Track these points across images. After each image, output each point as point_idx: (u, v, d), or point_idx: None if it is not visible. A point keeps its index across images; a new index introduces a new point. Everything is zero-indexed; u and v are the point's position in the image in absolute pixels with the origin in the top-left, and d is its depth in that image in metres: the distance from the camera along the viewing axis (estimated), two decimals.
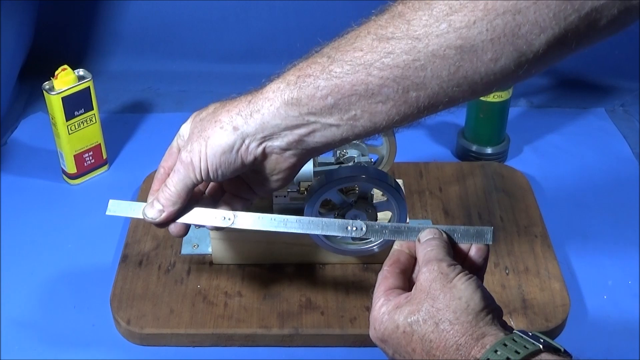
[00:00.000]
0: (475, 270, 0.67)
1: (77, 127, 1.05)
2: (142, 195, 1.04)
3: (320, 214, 0.82)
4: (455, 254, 0.67)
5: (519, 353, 0.58)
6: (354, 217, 0.82)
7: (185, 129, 0.72)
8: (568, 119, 1.24)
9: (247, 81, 1.42)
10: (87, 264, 0.96)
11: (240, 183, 0.73)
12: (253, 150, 0.67)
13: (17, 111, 1.24)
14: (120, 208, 0.77)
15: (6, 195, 1.07)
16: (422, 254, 0.66)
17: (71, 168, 1.08)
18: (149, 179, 1.06)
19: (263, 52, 1.33)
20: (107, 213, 0.77)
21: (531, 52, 0.59)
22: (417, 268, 0.67)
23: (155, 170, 1.06)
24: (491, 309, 0.61)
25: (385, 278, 0.66)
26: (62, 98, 1.01)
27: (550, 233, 0.98)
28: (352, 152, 0.89)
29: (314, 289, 0.90)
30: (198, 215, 0.73)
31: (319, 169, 0.87)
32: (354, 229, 0.70)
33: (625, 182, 1.10)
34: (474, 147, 1.12)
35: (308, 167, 0.87)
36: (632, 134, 1.20)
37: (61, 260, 0.97)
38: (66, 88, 1.01)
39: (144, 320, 0.86)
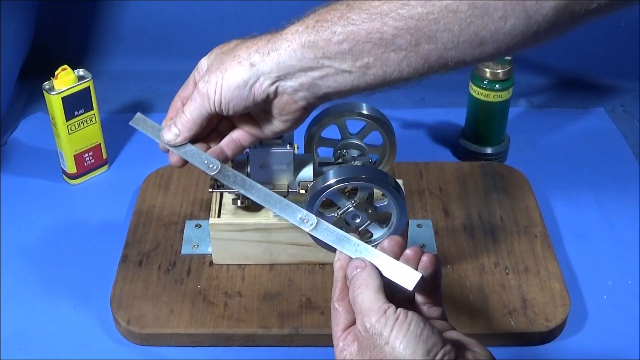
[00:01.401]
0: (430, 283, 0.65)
1: (77, 127, 1.05)
2: (142, 195, 1.04)
3: (320, 214, 0.82)
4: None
5: None
6: (354, 217, 0.82)
7: (204, 62, 0.75)
8: (568, 119, 1.24)
9: None
10: (87, 264, 0.96)
11: (250, 121, 0.75)
12: (266, 88, 0.69)
13: (17, 111, 1.24)
14: (144, 124, 0.80)
15: (6, 195, 1.07)
16: (352, 297, 0.62)
17: (71, 168, 1.08)
18: (149, 179, 1.06)
19: None
20: (130, 123, 0.80)
21: (540, 15, 0.60)
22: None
23: (155, 171, 1.07)
24: (438, 349, 0.57)
25: (338, 314, 0.64)
26: (62, 98, 1.01)
27: (550, 233, 0.98)
28: (352, 152, 0.89)
29: (314, 289, 0.90)
30: (191, 153, 0.75)
31: (318, 169, 0.88)
32: (306, 221, 0.71)
33: (625, 182, 1.10)
34: (474, 147, 1.12)
35: (308, 167, 0.87)
36: (632, 134, 1.20)
37: (61, 260, 0.97)
38: (66, 88, 1.01)
39: (144, 320, 0.86)
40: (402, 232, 0.84)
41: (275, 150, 0.85)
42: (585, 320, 0.90)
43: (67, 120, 1.03)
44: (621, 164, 1.14)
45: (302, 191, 0.86)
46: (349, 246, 0.67)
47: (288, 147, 0.85)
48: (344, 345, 0.62)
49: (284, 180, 0.87)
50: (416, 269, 0.64)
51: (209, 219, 0.91)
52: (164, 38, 1.34)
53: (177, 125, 0.74)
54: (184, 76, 1.32)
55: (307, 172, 0.87)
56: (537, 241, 0.96)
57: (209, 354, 0.86)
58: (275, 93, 0.70)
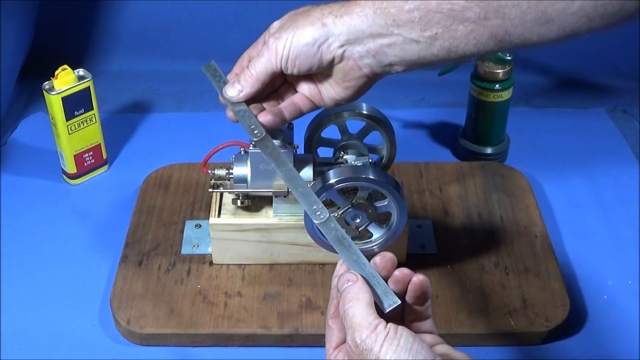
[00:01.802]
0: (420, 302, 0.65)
1: (77, 127, 1.05)
2: (142, 195, 1.04)
3: None
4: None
5: None
6: (354, 217, 0.82)
7: (276, 23, 0.75)
8: (568, 119, 1.24)
9: None
10: (87, 264, 0.96)
11: (312, 86, 0.75)
12: (334, 50, 0.70)
13: (17, 111, 1.24)
14: (213, 73, 0.81)
15: (6, 195, 1.07)
16: (342, 311, 0.61)
17: (71, 168, 1.08)
18: (149, 179, 1.06)
19: None
20: (203, 67, 0.82)
21: None
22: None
23: (155, 171, 1.07)
24: None
25: (331, 331, 0.64)
26: (62, 98, 1.01)
27: (550, 233, 0.98)
28: (352, 153, 0.89)
29: (314, 289, 0.90)
30: (242, 113, 0.75)
31: (319, 169, 0.87)
32: (318, 213, 0.70)
33: (625, 182, 1.10)
34: (474, 147, 1.12)
35: (308, 167, 0.87)
36: (632, 134, 1.20)
37: (61, 260, 0.97)
38: (66, 88, 1.01)
39: (144, 320, 0.86)
40: (402, 232, 0.84)
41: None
42: (585, 320, 0.90)
43: (67, 120, 1.03)
44: (621, 164, 1.14)
45: None
46: (347, 253, 0.66)
47: (288, 147, 0.85)
48: None
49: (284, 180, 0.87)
50: (405, 289, 0.64)
51: (209, 219, 0.91)
52: (164, 38, 1.34)
53: (240, 81, 0.75)
54: (184, 76, 1.33)
55: (307, 172, 0.87)
56: (537, 241, 0.96)
57: (209, 354, 0.86)
58: (342, 57, 0.70)
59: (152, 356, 0.86)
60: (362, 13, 0.68)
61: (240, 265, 0.93)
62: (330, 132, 0.90)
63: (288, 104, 0.76)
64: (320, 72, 0.73)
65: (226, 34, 1.34)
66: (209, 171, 0.90)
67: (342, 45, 0.70)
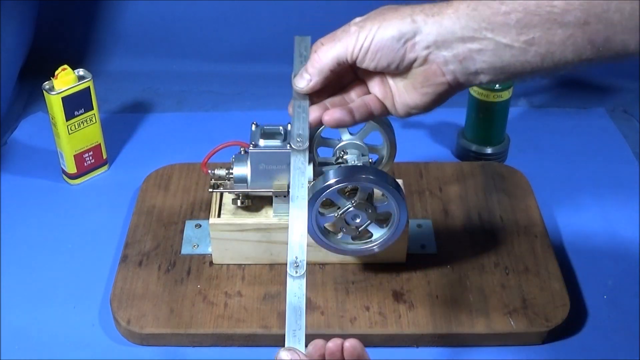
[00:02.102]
0: None
1: (77, 127, 1.05)
2: (142, 195, 1.04)
3: (320, 214, 0.82)
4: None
5: None
6: (354, 217, 0.82)
7: (359, 17, 0.71)
8: (568, 119, 1.24)
9: (247, 81, 1.43)
10: (87, 264, 0.96)
11: (386, 88, 0.72)
12: (419, 49, 0.66)
13: (17, 111, 1.24)
14: (301, 48, 0.77)
15: (6, 195, 1.07)
16: None
17: (71, 168, 1.08)
18: (149, 179, 1.06)
19: (263, 52, 1.33)
20: (296, 37, 0.78)
21: None
22: None
23: (155, 171, 1.07)
24: None
25: None
26: (62, 98, 1.01)
27: (550, 233, 0.98)
28: (352, 153, 0.89)
29: (314, 289, 0.90)
30: (298, 111, 0.71)
31: (319, 169, 0.87)
32: (296, 265, 0.66)
33: (625, 182, 1.10)
34: (474, 147, 1.12)
35: (308, 167, 0.87)
36: (632, 134, 1.20)
37: (61, 260, 0.97)
38: (66, 88, 1.01)
39: (144, 320, 0.86)
40: (402, 232, 0.84)
41: (275, 150, 0.85)
42: (585, 320, 0.90)
43: (67, 120, 1.03)
44: (621, 164, 1.14)
45: None
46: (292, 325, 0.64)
47: (288, 147, 0.85)
48: None
49: (284, 180, 0.87)
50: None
51: (209, 219, 0.91)
52: (164, 38, 1.34)
53: (308, 70, 0.71)
54: (184, 76, 1.33)
55: (307, 172, 0.86)
56: (537, 241, 0.96)
57: (209, 354, 0.86)
58: (425, 59, 0.67)
59: (152, 356, 0.86)
60: (454, 14, 0.65)
61: (240, 265, 0.93)
62: (330, 132, 0.90)
63: (359, 104, 0.72)
64: (396, 73, 0.69)
65: (226, 34, 1.34)
66: (209, 171, 0.90)
67: (428, 47, 0.66)
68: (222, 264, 0.93)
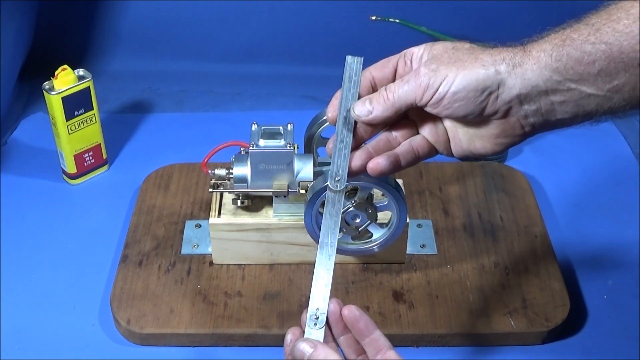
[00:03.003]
0: None
1: (77, 127, 1.05)
2: (142, 195, 1.04)
3: (321, 214, 0.82)
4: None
5: None
6: (354, 217, 0.82)
7: (418, 51, 0.68)
8: None
9: (247, 81, 1.43)
10: (87, 264, 0.96)
11: (441, 131, 0.69)
12: (501, 104, 0.63)
13: (17, 111, 1.24)
14: (352, 71, 0.70)
15: (6, 195, 1.07)
16: None
17: (71, 168, 1.08)
18: (149, 179, 1.06)
19: (263, 52, 1.33)
20: (349, 57, 0.71)
21: None
22: None
23: (155, 171, 1.07)
24: None
25: None
26: (62, 98, 1.01)
27: (550, 233, 0.98)
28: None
29: None
30: (339, 147, 0.68)
31: (318, 169, 0.88)
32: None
33: (625, 182, 1.10)
34: None
35: (308, 167, 0.87)
36: (632, 134, 1.20)
37: (61, 260, 0.97)
38: (66, 88, 1.01)
39: (144, 320, 0.86)
40: (402, 232, 0.84)
41: (275, 150, 0.85)
42: (585, 320, 0.90)
43: (67, 120, 1.03)
44: (621, 164, 1.14)
45: (302, 191, 0.86)
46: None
47: (288, 147, 0.85)
48: None
49: (284, 180, 0.87)
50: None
51: (209, 219, 0.91)
52: (164, 38, 1.34)
53: (373, 102, 0.67)
54: (184, 76, 1.33)
55: (307, 172, 0.87)
56: (537, 241, 0.96)
57: (209, 354, 0.86)
58: (506, 113, 0.64)
59: (152, 356, 0.86)
60: (535, 66, 0.61)
61: (240, 265, 0.93)
62: (330, 132, 0.90)
63: (406, 150, 0.69)
64: (469, 123, 0.66)
65: (226, 34, 1.34)
66: (209, 171, 0.90)
67: (510, 101, 0.63)
68: (222, 264, 0.93)
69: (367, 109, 0.67)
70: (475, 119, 0.65)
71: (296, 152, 0.86)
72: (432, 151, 0.70)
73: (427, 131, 0.69)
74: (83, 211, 1.05)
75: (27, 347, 0.86)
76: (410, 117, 0.70)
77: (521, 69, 0.62)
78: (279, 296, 0.89)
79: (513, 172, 1.08)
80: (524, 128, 0.65)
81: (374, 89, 0.70)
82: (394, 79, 0.69)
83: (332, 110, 0.70)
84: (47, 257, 0.98)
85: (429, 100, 0.64)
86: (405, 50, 0.69)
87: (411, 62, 0.68)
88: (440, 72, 0.64)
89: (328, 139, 0.90)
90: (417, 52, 0.68)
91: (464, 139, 0.68)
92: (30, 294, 0.93)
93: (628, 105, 0.62)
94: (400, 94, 0.66)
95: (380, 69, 0.70)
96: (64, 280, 0.94)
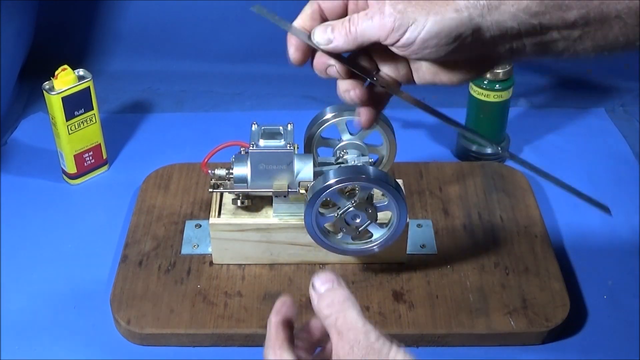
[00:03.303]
0: None
1: (77, 127, 1.05)
2: (142, 195, 1.04)
3: (320, 214, 0.82)
4: None
5: None
6: (354, 217, 0.82)
7: None
8: (568, 119, 1.24)
9: (247, 81, 1.43)
10: (87, 264, 0.96)
11: (404, 67, 0.67)
12: (473, 47, 0.61)
13: (17, 111, 1.24)
14: (265, 12, 0.68)
15: (6, 195, 1.07)
16: (333, 316, 0.56)
17: (71, 168, 1.08)
18: (149, 179, 1.06)
19: (263, 52, 1.33)
20: (254, 7, 0.69)
21: None
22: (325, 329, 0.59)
23: (155, 171, 1.07)
24: None
25: (308, 334, 0.60)
26: (62, 98, 1.01)
27: (550, 233, 0.98)
28: (352, 153, 0.89)
29: None
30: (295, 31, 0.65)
31: (318, 169, 0.88)
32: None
33: (625, 182, 1.10)
34: (474, 147, 1.12)
35: (308, 167, 0.87)
36: (632, 134, 1.20)
37: (61, 260, 0.97)
38: (66, 88, 1.01)
39: (144, 320, 0.86)
40: (402, 232, 0.84)
41: (275, 150, 0.85)
42: (585, 320, 0.90)
43: (67, 120, 1.03)
44: (621, 164, 1.14)
45: (302, 191, 0.86)
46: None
47: (288, 147, 0.85)
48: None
49: (284, 180, 0.87)
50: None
51: (209, 219, 0.91)
52: (164, 38, 1.34)
53: (334, 31, 0.64)
54: (184, 76, 1.33)
55: (307, 172, 0.87)
56: (537, 241, 0.96)
57: (209, 354, 0.86)
58: (478, 54, 0.63)
59: (152, 356, 0.86)
60: (514, 8, 0.60)
61: (240, 265, 0.93)
62: (330, 132, 0.90)
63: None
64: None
65: (226, 34, 1.34)
66: (209, 171, 0.90)
67: (483, 45, 0.61)
68: (222, 264, 0.93)
69: (328, 37, 0.64)
70: (445, 61, 0.64)
71: (296, 152, 0.86)
72: (394, 83, 0.68)
73: (387, 68, 0.68)
74: (83, 211, 1.05)
75: (27, 347, 0.86)
76: (369, 51, 0.67)
77: (497, 12, 0.60)
78: (279, 296, 0.89)
79: (513, 172, 1.08)
80: (493, 63, 0.65)
81: (323, 19, 0.66)
82: (345, 13, 0.66)
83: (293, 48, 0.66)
84: (47, 257, 0.98)
85: (395, 42, 0.61)
86: None
87: None
88: (407, 14, 0.60)
89: (328, 139, 0.91)
90: None
91: (428, 72, 0.66)
92: (30, 293, 0.93)
93: (595, 50, 0.62)
94: (363, 28, 0.62)
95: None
96: (64, 280, 0.94)
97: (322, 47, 0.65)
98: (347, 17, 0.64)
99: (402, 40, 0.61)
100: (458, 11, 0.60)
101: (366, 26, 0.62)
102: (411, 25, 0.60)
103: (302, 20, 0.67)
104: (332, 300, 0.57)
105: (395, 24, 0.60)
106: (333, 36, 0.64)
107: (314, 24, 0.66)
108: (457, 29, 0.60)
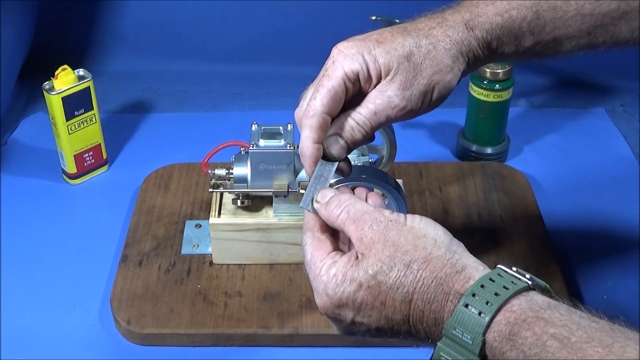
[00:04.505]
0: None
1: (77, 127, 1.05)
2: (142, 195, 1.04)
3: None
4: None
5: (507, 289, 0.52)
6: None
7: (365, 69, 0.63)
8: (568, 119, 1.24)
9: (247, 81, 1.43)
10: (87, 264, 0.96)
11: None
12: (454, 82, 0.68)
13: (17, 111, 1.24)
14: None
15: (6, 195, 1.07)
16: (344, 211, 0.58)
17: (71, 168, 1.08)
18: (149, 179, 1.06)
19: (263, 52, 1.33)
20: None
21: None
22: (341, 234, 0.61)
23: (155, 171, 1.07)
24: (457, 240, 0.59)
25: (321, 242, 0.59)
26: (62, 98, 1.01)
27: (550, 233, 0.98)
28: (352, 152, 0.89)
29: None
30: (324, 174, 0.64)
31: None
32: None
33: (625, 182, 1.10)
34: (474, 147, 1.12)
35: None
36: (632, 134, 1.20)
37: (61, 260, 0.97)
38: (66, 88, 1.01)
39: (144, 320, 0.86)
40: None
41: (275, 150, 0.85)
42: None
43: (67, 120, 1.03)
44: (621, 164, 1.14)
45: (302, 191, 0.86)
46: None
47: (288, 147, 0.85)
48: (332, 262, 0.57)
49: (284, 180, 0.87)
50: None
51: (209, 219, 0.91)
52: (164, 38, 1.34)
53: (344, 135, 0.64)
54: (184, 76, 1.33)
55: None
56: (537, 241, 0.96)
57: (209, 354, 0.86)
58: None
59: (152, 356, 0.86)
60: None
61: (240, 265, 0.93)
62: None
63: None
64: None
65: (226, 34, 1.34)
66: (209, 171, 0.90)
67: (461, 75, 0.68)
68: (222, 264, 0.93)
69: (342, 145, 0.65)
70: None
71: (296, 152, 0.87)
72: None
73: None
74: (83, 211, 1.05)
75: (27, 347, 0.86)
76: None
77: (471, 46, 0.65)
78: (279, 296, 0.89)
79: (513, 172, 1.08)
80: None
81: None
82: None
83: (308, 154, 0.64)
84: (47, 257, 0.98)
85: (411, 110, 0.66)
86: (336, 73, 0.63)
87: (369, 82, 0.63)
88: (417, 82, 0.65)
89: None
90: (361, 71, 0.62)
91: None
92: (31, 294, 0.93)
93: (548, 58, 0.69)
94: (369, 123, 0.63)
95: (334, 106, 0.63)
96: (64, 280, 0.94)
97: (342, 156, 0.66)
98: (352, 118, 0.63)
99: (419, 107, 0.67)
100: (452, 69, 0.66)
101: (378, 118, 0.64)
102: (424, 89, 0.65)
103: (312, 133, 0.64)
104: (338, 201, 0.59)
105: (409, 106, 0.66)
106: (344, 142, 0.65)
107: (323, 135, 0.64)
108: (456, 76, 0.66)
